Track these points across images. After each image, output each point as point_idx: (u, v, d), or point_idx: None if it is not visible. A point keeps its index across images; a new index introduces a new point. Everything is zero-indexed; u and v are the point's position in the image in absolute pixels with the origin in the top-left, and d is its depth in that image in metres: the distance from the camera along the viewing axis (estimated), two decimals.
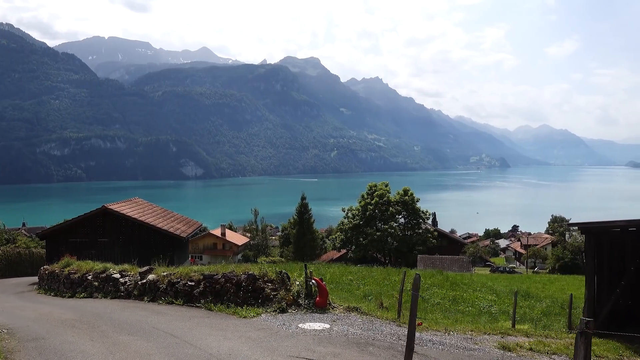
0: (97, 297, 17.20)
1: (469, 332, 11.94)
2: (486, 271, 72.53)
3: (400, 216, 69.12)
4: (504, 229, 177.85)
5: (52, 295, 19.94)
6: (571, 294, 14.67)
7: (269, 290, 12.15)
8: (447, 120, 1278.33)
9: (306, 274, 11.97)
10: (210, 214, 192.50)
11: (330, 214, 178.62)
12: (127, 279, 16.61)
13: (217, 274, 13.64)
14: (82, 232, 30.32)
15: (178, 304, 13.98)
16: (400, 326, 11.25)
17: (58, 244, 30.18)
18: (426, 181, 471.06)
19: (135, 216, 30.20)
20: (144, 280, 15.64)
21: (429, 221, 73.08)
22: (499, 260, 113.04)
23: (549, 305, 19.13)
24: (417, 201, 69.74)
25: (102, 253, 28.18)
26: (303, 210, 76.40)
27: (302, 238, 74.78)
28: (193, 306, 13.53)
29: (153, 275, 15.59)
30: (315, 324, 10.59)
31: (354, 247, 68.21)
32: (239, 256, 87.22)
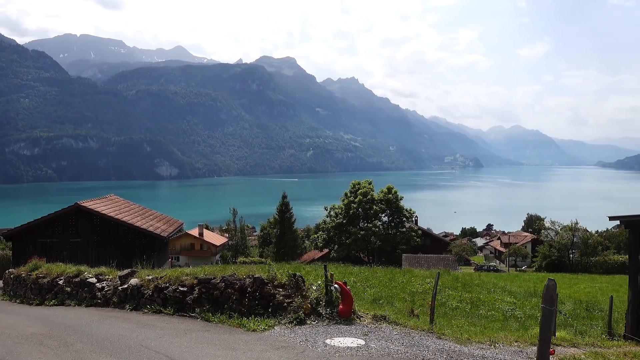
0: (69, 305, 14.88)
1: (515, 344, 10.21)
2: (470, 270, 71.56)
3: (384, 215, 67.84)
4: (479, 228, 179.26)
5: (18, 303, 17.49)
6: (611, 296, 13.14)
7: (281, 297, 10.09)
8: (422, 121, 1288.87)
9: (326, 276, 9.96)
10: (186, 214, 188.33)
11: (307, 214, 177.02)
12: (105, 284, 14.38)
13: (214, 278, 11.52)
14: (53, 231, 27.71)
15: (167, 314, 11.83)
16: (441, 338, 9.43)
17: (26, 245, 27.52)
18: (402, 181, 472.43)
19: (112, 214, 27.77)
20: (125, 286, 13.44)
21: (413, 220, 71.80)
22: (478, 259, 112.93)
23: (574, 307, 17.62)
24: (401, 199, 68.60)
25: (74, 255, 25.70)
26: (284, 209, 74.52)
27: (283, 237, 72.92)
28: (186, 316, 11.40)
29: (136, 279, 13.41)
30: (347, 340, 8.60)
31: (336, 246, 66.64)
32: (217, 257, 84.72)
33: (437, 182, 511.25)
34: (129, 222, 27.57)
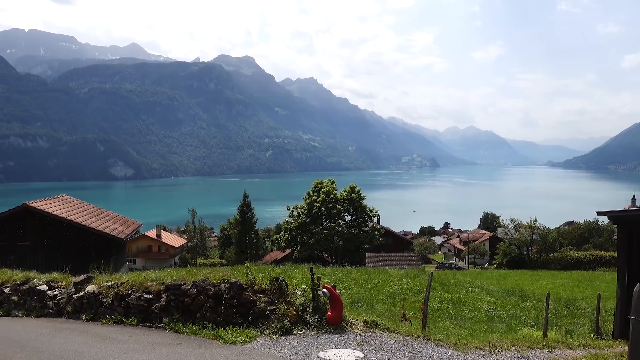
0: (16, 316, 13.28)
1: (512, 348, 9.53)
2: (432, 268, 71.96)
3: (347, 214, 67.31)
4: (437, 227, 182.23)
5: None
6: (599, 295, 12.73)
7: (262, 304, 8.96)
8: (380, 121, 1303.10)
9: (313, 280, 8.94)
10: (143, 215, 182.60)
11: (267, 214, 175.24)
12: (57, 292, 12.88)
13: (184, 283, 10.19)
14: None
15: (130, 324, 10.46)
16: (439, 345, 8.60)
17: None
18: (361, 181, 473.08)
19: (64, 215, 25.87)
20: (81, 293, 12.01)
21: (375, 219, 71.65)
22: (438, 257, 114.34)
23: (554, 305, 17.23)
24: (364, 198, 68.26)
25: (23, 259, 23.72)
26: (245, 209, 73.05)
27: (244, 238, 71.47)
28: (153, 327, 10.05)
29: (93, 286, 12.00)
30: (342, 352, 7.53)
31: (299, 246, 65.69)
32: (176, 259, 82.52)
33: (395, 182, 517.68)
34: (82, 223, 25.77)
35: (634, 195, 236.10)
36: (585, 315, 15.48)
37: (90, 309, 11.62)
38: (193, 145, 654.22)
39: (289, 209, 69.15)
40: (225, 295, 9.37)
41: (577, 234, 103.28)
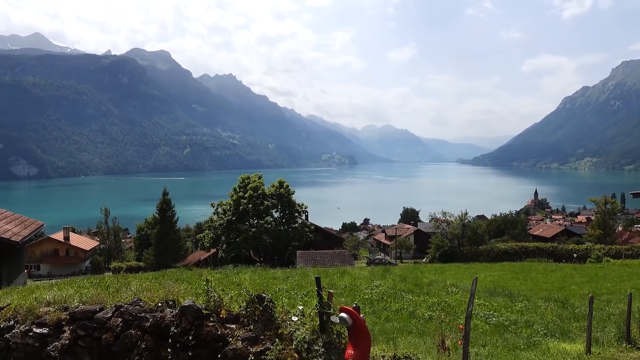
0: None
1: None
2: (363, 264, 70.39)
3: (275, 210, 64.16)
4: (357, 223, 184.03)
5: None
6: (630, 294, 10.48)
7: (239, 343, 5.15)
8: (300, 119, 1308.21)
9: (320, 297, 5.34)
10: (49, 216, 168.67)
11: (187, 213, 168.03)
12: None
13: (102, 309, 6.45)
14: None
15: None
16: None
17: None
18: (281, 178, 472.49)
19: None
20: None
21: (304, 215, 68.93)
22: (363, 252, 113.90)
23: (546, 304, 14.99)
24: (293, 194, 65.45)
25: None
26: (165, 207, 67.88)
27: (164, 238, 66.27)
28: None
29: None
30: None
31: (225, 245, 61.68)
32: (87, 263, 75.40)
33: (315, 179, 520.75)
34: None
35: (536, 190, 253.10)
36: (582, 316, 13.38)
37: None
38: (104, 142, 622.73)
39: (213, 206, 65.07)
40: (173, 328, 5.70)
41: (495, 227, 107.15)
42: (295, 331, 5.31)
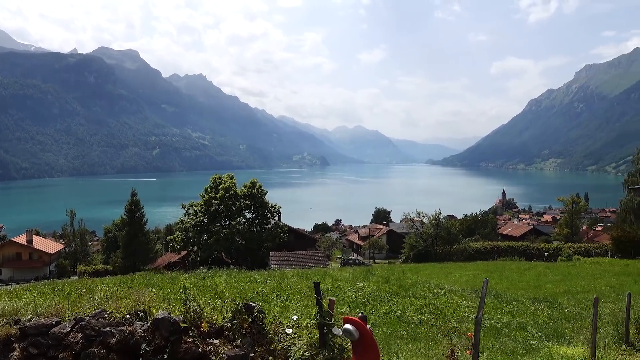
0: None
1: None
2: (336, 265, 69.87)
3: (248, 211, 63.08)
4: (329, 223, 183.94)
5: None
6: (629, 293, 10.02)
7: None
8: (271, 120, 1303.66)
9: (320, 306, 4.48)
10: (11, 219, 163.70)
11: (156, 215, 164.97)
12: None
13: (59, 322, 5.47)
14: None
15: None
16: None
17: None
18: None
19: None
20: None
21: (277, 216, 67.99)
22: (336, 253, 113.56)
23: (535, 305, 14.53)
24: (266, 194, 64.55)
25: None
26: (134, 208, 66.10)
27: (133, 240, 64.54)
28: None
29: None
30: None
31: (196, 247, 60.29)
32: (52, 266, 72.79)
33: (287, 180, 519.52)
34: None
35: (503, 190, 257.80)
36: (580, 317, 12.97)
37: None
38: (70, 143, 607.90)
39: (184, 207, 63.56)
40: (144, 345, 4.75)
41: (466, 226, 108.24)
42: (291, 346, 4.52)
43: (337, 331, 4.38)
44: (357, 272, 18.58)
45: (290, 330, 4.73)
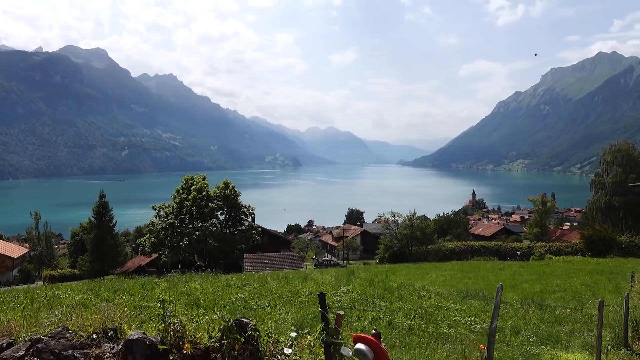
0: None
1: None
2: (311, 266, 69.29)
3: (220, 212, 61.96)
4: (302, 224, 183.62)
5: None
6: (627, 295, 9.65)
7: None
8: (243, 121, 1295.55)
9: (326, 321, 3.75)
10: None
11: (125, 217, 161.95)
12: None
13: (12, 344, 4.42)
14: None
15: None
16: None
17: None
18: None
19: None
20: None
21: (250, 217, 66.99)
22: (310, 254, 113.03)
23: (525, 307, 14.11)
24: (239, 195, 63.52)
25: None
26: (102, 210, 63.92)
27: (101, 243, 62.40)
28: None
29: None
30: None
31: (167, 250, 58.88)
32: (15, 271, 70.07)
33: (259, 181, 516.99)
34: None
35: (473, 191, 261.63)
36: (572, 319, 12.60)
37: None
38: (35, 143, 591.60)
39: (154, 209, 61.95)
40: None
41: (439, 226, 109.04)
42: None
43: (346, 351, 3.68)
44: (339, 275, 17.93)
45: (289, 351, 3.98)
